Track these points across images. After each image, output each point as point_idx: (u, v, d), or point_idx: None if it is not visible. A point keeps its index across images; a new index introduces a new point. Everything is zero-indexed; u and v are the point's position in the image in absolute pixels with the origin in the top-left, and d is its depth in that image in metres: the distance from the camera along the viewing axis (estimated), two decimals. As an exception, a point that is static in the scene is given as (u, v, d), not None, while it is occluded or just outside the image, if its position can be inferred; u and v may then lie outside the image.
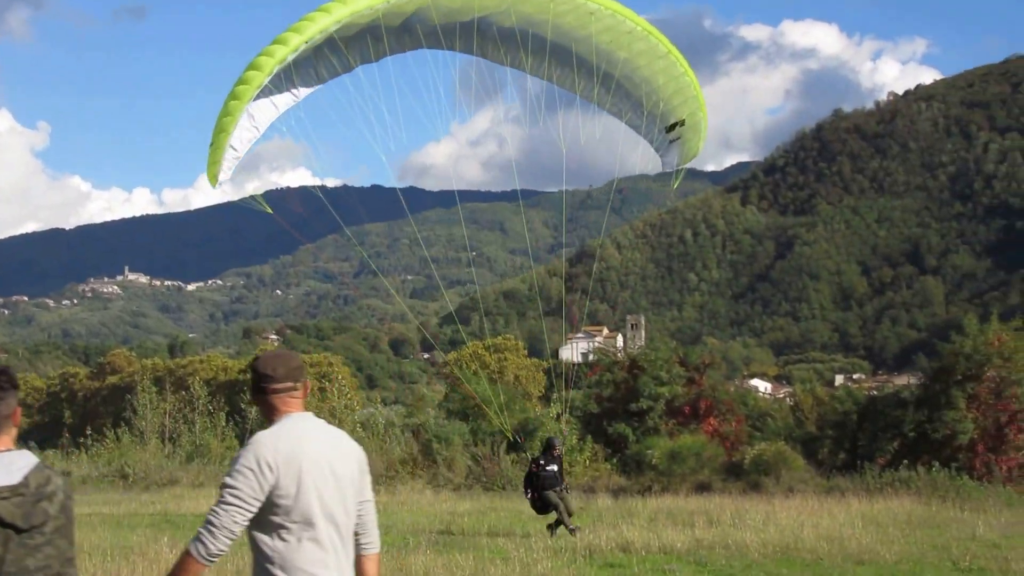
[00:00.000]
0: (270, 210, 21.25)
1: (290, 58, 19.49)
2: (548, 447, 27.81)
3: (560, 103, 23.45)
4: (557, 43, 21.59)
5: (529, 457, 30.97)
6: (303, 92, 21.30)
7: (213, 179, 20.29)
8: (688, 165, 23.57)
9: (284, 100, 21.08)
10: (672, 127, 22.76)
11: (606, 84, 22.26)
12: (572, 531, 26.09)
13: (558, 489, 26.83)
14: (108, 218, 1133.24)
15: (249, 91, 19.46)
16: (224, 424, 71.97)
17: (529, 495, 27.37)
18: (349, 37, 20.39)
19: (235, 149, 20.40)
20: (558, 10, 20.65)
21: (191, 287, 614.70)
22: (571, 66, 22.28)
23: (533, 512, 28.15)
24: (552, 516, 27.13)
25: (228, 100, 19.60)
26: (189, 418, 72.14)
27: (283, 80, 20.58)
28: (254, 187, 21.89)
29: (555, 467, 27.21)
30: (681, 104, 22.51)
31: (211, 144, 19.83)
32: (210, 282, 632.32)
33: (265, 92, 20.07)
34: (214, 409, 74.92)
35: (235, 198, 22.31)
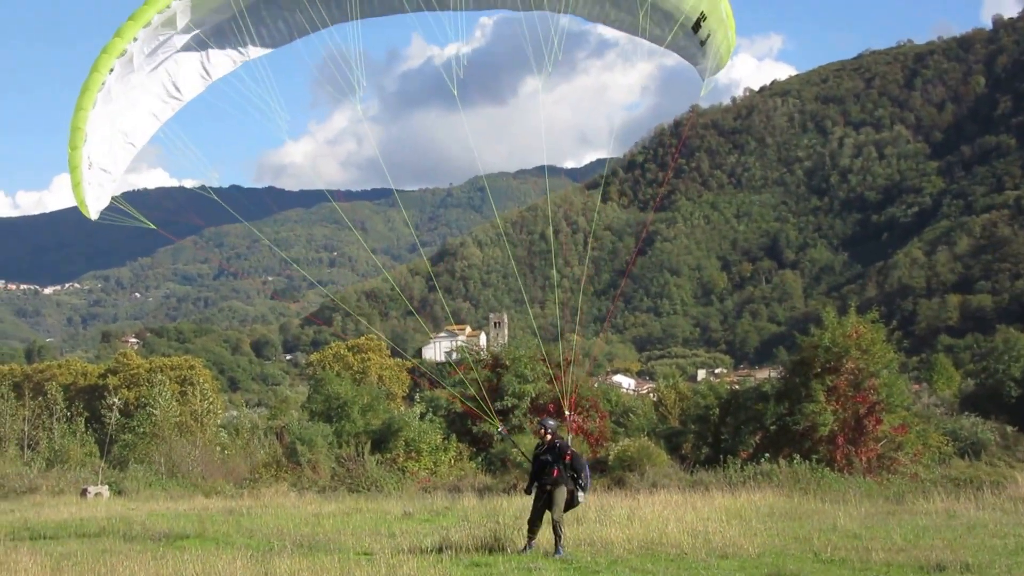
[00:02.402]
0: (152, 225, 20.49)
1: (144, 53, 18.82)
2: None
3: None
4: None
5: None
6: (188, 93, 20.50)
7: (82, 205, 19.09)
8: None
9: (164, 108, 20.27)
10: (697, 25, 21.87)
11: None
12: (555, 551, 21.66)
13: (550, 488, 21.74)
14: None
15: (89, 97, 18.53)
16: (84, 430, 70.84)
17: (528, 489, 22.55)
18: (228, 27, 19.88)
19: (108, 172, 19.45)
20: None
21: (48, 291, 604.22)
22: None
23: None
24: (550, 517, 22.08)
25: (75, 111, 18.56)
26: (48, 424, 70.95)
27: (162, 84, 19.86)
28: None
29: (550, 457, 22.04)
30: None
31: (69, 164, 18.82)
32: (67, 285, 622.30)
33: (134, 99, 19.32)
34: (73, 415, 73.80)
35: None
